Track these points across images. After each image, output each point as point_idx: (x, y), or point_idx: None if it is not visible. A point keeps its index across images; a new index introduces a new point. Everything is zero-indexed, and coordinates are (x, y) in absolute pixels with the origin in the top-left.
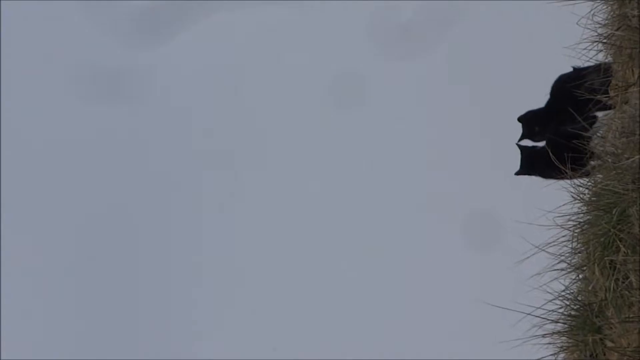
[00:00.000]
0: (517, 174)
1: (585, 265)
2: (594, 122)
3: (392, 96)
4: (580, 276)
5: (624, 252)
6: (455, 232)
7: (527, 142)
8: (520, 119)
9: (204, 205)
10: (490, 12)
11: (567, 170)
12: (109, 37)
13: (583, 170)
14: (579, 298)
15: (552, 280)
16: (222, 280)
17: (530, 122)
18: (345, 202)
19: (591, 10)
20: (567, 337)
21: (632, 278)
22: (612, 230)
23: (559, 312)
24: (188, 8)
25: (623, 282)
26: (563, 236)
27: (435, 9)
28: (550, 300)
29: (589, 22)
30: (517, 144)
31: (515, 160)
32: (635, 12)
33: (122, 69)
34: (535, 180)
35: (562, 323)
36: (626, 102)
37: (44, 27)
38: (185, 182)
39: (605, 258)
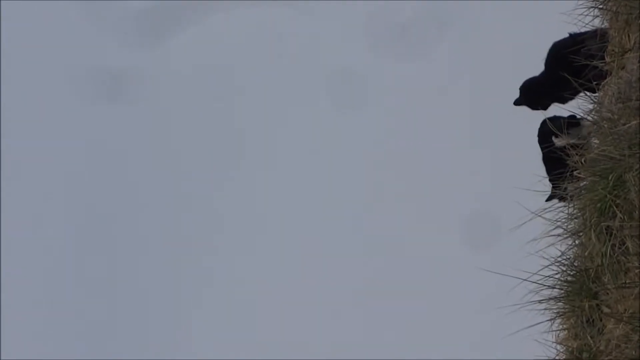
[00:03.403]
0: (516, 103)
1: (581, 231)
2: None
3: (391, 96)
4: (577, 242)
5: (620, 218)
6: (454, 227)
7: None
8: (517, 103)
9: (203, 204)
10: (490, 12)
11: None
12: (109, 37)
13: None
14: (575, 264)
15: (548, 246)
16: (221, 280)
17: (530, 97)
18: (343, 202)
19: None
20: (563, 302)
21: (629, 244)
22: (608, 196)
23: (555, 278)
24: (187, 8)
25: (619, 248)
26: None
27: (435, 9)
28: (547, 266)
29: None
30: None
31: (517, 160)
32: None
33: (121, 69)
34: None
35: (559, 289)
36: (622, 68)
37: (44, 27)
38: (184, 181)
39: (602, 224)
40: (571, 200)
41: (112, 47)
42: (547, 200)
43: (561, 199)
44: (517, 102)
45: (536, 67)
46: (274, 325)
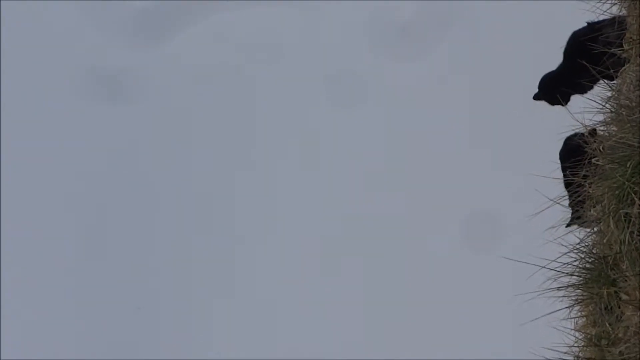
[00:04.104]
0: (535, 98)
1: (600, 218)
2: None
3: (391, 96)
4: (595, 229)
5: (639, 205)
6: (456, 226)
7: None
8: (536, 98)
9: (202, 204)
10: (490, 12)
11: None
12: (109, 37)
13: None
14: (594, 251)
15: (567, 234)
16: (221, 280)
17: (548, 91)
18: (344, 202)
19: None
20: (581, 289)
21: None
22: (626, 183)
23: (574, 265)
24: (187, 8)
25: (638, 235)
26: None
27: (435, 9)
28: (566, 253)
29: None
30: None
31: (521, 157)
32: None
33: (122, 69)
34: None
35: (577, 276)
36: None
37: (44, 27)
38: (184, 181)
39: (620, 211)
40: (590, 226)
41: (112, 47)
42: (567, 227)
43: (581, 223)
44: (536, 97)
45: (541, 63)
46: (275, 326)
